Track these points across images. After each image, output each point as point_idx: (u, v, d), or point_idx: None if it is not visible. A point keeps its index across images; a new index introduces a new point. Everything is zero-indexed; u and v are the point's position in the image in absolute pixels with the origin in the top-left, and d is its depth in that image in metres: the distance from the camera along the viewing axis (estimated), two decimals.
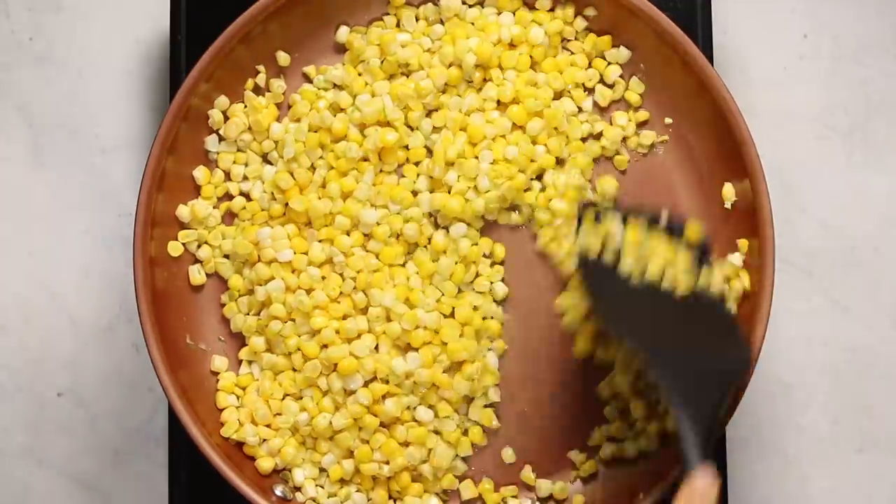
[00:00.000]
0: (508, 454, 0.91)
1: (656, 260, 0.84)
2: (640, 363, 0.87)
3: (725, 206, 0.90)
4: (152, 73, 1.03)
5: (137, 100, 1.03)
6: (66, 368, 1.02)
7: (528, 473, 0.90)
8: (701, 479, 0.75)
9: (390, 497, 0.89)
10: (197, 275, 0.91)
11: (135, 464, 1.01)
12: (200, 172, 0.91)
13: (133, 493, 1.01)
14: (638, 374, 0.88)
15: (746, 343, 0.85)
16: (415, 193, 0.89)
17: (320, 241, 0.89)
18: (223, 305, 0.91)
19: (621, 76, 0.92)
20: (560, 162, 0.90)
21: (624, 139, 0.92)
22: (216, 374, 0.91)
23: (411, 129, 0.90)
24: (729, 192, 0.89)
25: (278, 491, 0.89)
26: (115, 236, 1.02)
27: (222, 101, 0.91)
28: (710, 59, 0.95)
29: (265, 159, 0.91)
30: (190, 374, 0.89)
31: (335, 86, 0.91)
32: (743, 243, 0.89)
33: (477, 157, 0.89)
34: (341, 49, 0.92)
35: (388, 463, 0.88)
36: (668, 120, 0.91)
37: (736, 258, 0.89)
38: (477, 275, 0.90)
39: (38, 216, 1.03)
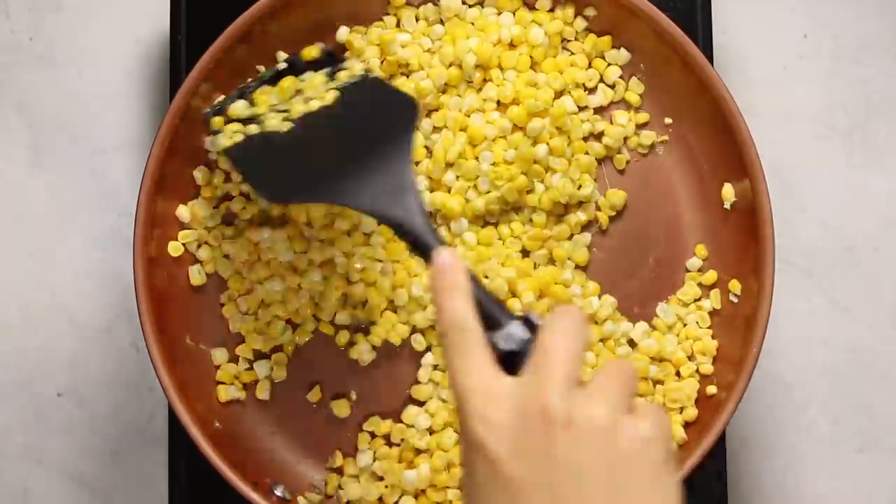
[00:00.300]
0: None
1: (295, 98, 0.83)
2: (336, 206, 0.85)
3: (725, 206, 0.90)
4: (152, 73, 1.03)
5: (137, 100, 1.03)
6: (66, 368, 1.02)
7: None
8: (441, 259, 0.70)
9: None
10: (197, 275, 0.91)
11: (135, 464, 1.01)
12: (200, 173, 0.91)
13: (133, 493, 1.01)
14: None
15: (401, 91, 0.85)
16: None
17: (321, 240, 0.89)
18: (223, 305, 0.91)
19: (621, 77, 0.92)
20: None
21: (624, 139, 0.92)
22: (216, 373, 0.91)
23: None
24: (728, 192, 0.89)
25: (278, 491, 0.89)
26: (115, 236, 1.02)
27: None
28: (710, 59, 0.95)
29: None
30: (190, 373, 0.89)
31: None
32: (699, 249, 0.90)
33: (477, 158, 0.89)
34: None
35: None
36: (667, 120, 0.92)
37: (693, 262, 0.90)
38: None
39: (38, 216, 1.03)
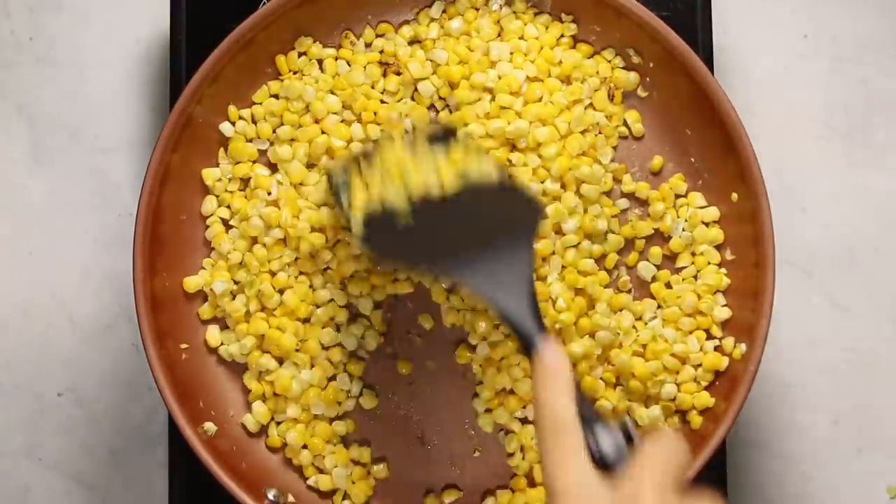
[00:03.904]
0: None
1: (418, 175, 0.83)
2: (451, 282, 0.87)
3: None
4: (152, 73, 1.03)
5: (137, 100, 1.03)
6: (66, 368, 1.02)
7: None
8: (548, 353, 0.71)
9: None
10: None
11: (134, 463, 1.01)
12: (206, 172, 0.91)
13: (133, 492, 1.01)
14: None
15: (529, 192, 0.85)
16: None
17: (326, 269, 0.90)
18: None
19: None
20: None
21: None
22: (214, 373, 0.91)
23: None
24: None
25: (271, 495, 0.89)
26: (115, 236, 1.02)
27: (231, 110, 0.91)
28: (711, 58, 0.95)
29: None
30: (187, 375, 0.89)
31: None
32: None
33: None
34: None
35: None
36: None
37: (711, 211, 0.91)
38: None
39: (38, 216, 1.03)
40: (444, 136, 0.86)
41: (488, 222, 0.82)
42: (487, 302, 0.77)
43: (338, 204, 0.85)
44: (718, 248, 0.91)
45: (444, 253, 0.80)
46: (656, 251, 0.91)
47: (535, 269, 0.84)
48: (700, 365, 0.89)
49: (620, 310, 0.90)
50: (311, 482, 0.91)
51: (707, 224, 0.91)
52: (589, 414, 0.69)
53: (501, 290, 0.76)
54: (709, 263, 0.90)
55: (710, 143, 0.90)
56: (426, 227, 0.81)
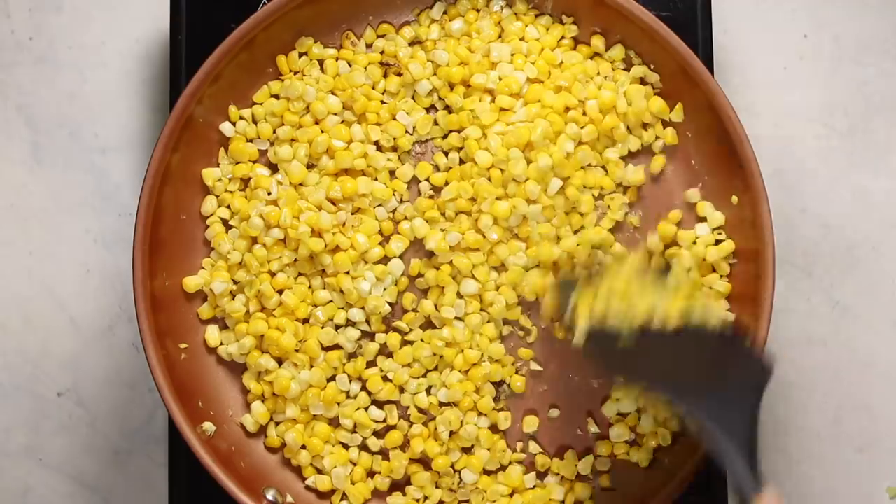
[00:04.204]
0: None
1: (643, 303, 0.83)
2: (672, 409, 0.86)
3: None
4: (152, 73, 1.03)
5: (137, 100, 1.03)
6: (66, 368, 1.02)
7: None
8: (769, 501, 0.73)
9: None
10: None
11: (135, 464, 1.01)
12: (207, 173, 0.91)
13: (133, 493, 1.01)
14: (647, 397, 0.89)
15: (759, 349, 0.85)
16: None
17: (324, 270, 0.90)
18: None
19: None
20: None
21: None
22: (213, 373, 0.91)
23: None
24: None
25: (269, 495, 0.89)
26: (115, 236, 1.02)
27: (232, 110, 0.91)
28: (711, 58, 0.95)
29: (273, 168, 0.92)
30: (186, 375, 0.89)
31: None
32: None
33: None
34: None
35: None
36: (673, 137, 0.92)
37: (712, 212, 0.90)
38: None
39: (38, 216, 1.03)
40: (668, 270, 0.87)
41: (711, 365, 0.81)
42: (711, 438, 0.77)
43: (562, 306, 0.85)
44: None
45: (666, 377, 0.80)
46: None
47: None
48: None
49: None
50: (309, 482, 0.91)
51: (714, 230, 0.91)
52: None
53: (725, 431, 0.77)
54: (713, 271, 0.90)
55: (710, 144, 0.90)
56: (646, 352, 0.82)
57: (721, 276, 0.90)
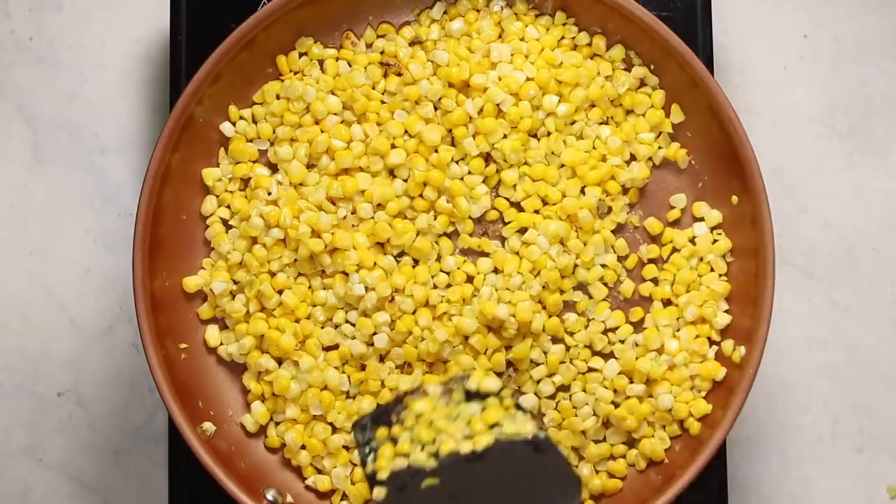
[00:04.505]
0: None
1: (448, 429, 0.80)
2: None
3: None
4: (152, 73, 1.03)
5: (137, 100, 1.03)
6: (66, 368, 1.02)
7: None
8: None
9: None
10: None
11: (135, 464, 1.01)
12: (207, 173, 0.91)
13: (133, 493, 1.01)
14: None
15: (564, 459, 0.80)
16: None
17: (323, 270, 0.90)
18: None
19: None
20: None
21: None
22: (213, 373, 0.91)
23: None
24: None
25: (269, 495, 0.89)
26: (115, 236, 1.02)
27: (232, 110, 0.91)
28: (711, 58, 0.95)
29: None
30: (186, 375, 0.89)
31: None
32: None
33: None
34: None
35: None
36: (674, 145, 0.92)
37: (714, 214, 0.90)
38: None
39: (38, 216, 1.03)
40: (479, 393, 0.83)
41: (520, 487, 0.78)
42: None
43: (360, 457, 0.82)
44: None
45: None
46: (654, 255, 0.91)
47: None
48: (698, 376, 0.89)
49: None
50: (309, 482, 0.91)
51: (712, 230, 0.91)
52: None
53: None
54: (711, 270, 0.90)
55: (710, 144, 0.90)
56: (452, 488, 0.78)
57: (720, 276, 0.90)
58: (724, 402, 0.87)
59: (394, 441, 0.81)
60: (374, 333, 0.88)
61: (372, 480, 0.80)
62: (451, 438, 0.80)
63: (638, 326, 0.91)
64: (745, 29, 1.04)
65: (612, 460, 0.90)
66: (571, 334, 0.90)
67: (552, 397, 0.90)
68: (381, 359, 0.89)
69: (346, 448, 0.91)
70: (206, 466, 0.86)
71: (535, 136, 0.91)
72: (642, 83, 0.91)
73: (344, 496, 0.91)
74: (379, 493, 0.79)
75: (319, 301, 0.90)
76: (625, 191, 0.91)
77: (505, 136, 0.90)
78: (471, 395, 0.83)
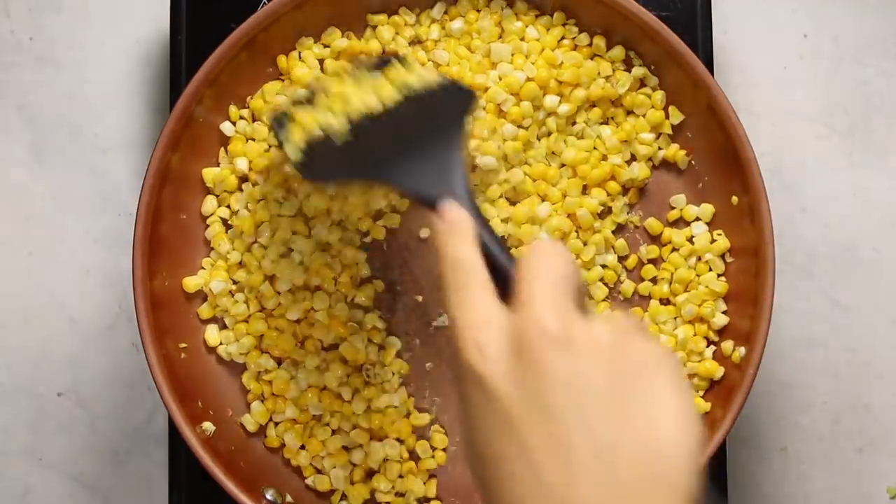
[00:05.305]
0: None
1: (357, 97, 0.83)
2: (391, 189, 0.87)
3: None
4: (152, 73, 1.03)
5: (137, 100, 1.03)
6: (66, 368, 1.02)
7: None
8: (447, 209, 0.71)
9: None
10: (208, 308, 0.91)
11: (135, 464, 1.01)
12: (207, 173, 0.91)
13: (133, 493, 1.01)
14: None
15: (460, 82, 0.86)
16: None
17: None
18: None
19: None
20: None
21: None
22: (213, 373, 0.91)
23: None
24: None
25: (269, 495, 0.89)
26: (116, 236, 1.02)
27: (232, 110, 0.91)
28: (711, 58, 0.95)
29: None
30: (186, 375, 0.89)
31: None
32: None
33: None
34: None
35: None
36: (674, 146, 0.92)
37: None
38: None
39: (38, 216, 1.03)
40: (385, 62, 0.86)
41: (424, 122, 0.81)
42: (419, 199, 0.75)
43: (278, 141, 0.84)
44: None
45: (379, 162, 0.79)
46: (654, 255, 0.91)
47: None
48: (696, 374, 0.89)
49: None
50: (308, 482, 0.91)
51: (709, 227, 0.91)
52: (503, 262, 0.68)
53: (434, 183, 0.75)
54: (709, 270, 0.90)
55: (710, 144, 0.90)
56: (365, 143, 0.81)
57: (718, 276, 0.90)
58: (723, 402, 0.87)
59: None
60: None
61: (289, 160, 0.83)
62: (361, 103, 0.83)
63: None
64: (745, 29, 1.04)
65: None
66: None
67: None
68: None
69: (346, 448, 0.91)
70: (206, 466, 0.87)
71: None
72: (642, 83, 0.91)
73: (343, 496, 0.91)
74: (296, 155, 0.82)
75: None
76: (625, 191, 0.91)
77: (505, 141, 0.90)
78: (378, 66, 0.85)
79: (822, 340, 1.02)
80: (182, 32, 0.96)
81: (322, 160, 0.82)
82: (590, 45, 0.91)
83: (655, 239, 0.92)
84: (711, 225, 0.91)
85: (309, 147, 0.82)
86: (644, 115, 0.91)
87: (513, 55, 0.90)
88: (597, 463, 0.60)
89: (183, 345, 0.90)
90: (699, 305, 0.89)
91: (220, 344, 0.91)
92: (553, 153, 0.90)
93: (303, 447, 0.91)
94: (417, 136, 0.79)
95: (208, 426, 0.89)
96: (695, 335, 0.90)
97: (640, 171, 0.90)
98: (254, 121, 0.92)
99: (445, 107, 0.82)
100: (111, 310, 1.02)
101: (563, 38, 0.91)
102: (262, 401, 0.91)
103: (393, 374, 0.90)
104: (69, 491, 1.01)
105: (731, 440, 0.99)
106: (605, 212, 0.91)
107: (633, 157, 0.91)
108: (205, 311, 0.91)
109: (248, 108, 0.92)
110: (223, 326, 0.92)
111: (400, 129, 0.81)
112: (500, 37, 0.91)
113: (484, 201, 0.90)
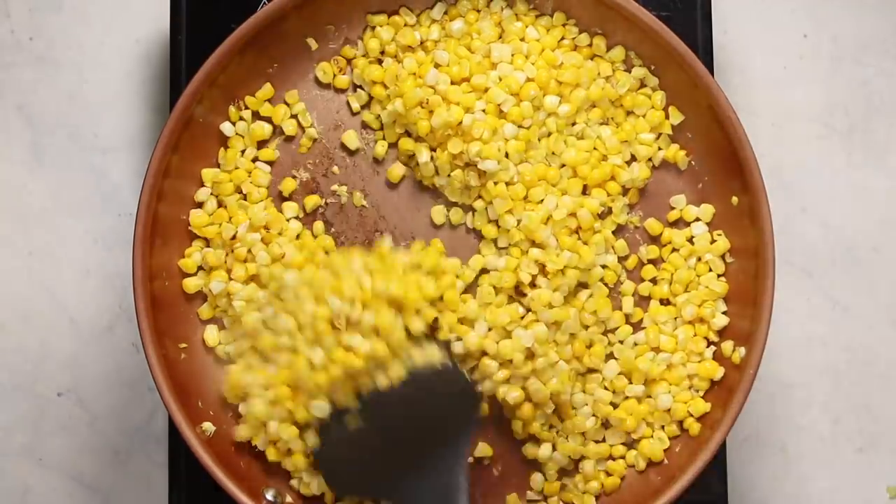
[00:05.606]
0: None
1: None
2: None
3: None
4: (152, 73, 1.03)
5: (137, 100, 1.03)
6: (66, 368, 1.02)
7: None
8: None
9: None
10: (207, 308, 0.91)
11: (135, 464, 1.01)
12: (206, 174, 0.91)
13: (133, 493, 1.01)
14: None
15: (467, 378, 0.86)
16: None
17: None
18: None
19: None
20: None
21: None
22: (213, 373, 0.91)
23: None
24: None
25: (269, 495, 0.89)
26: (116, 236, 1.02)
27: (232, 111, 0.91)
28: (711, 58, 0.95)
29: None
30: (186, 374, 0.89)
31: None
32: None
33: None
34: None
35: None
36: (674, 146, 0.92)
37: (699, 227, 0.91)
38: None
39: (38, 216, 1.03)
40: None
41: (431, 409, 0.84)
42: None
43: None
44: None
45: (387, 484, 0.84)
46: (654, 256, 0.91)
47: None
48: (696, 375, 0.89)
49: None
50: (293, 483, 0.90)
51: (709, 227, 0.91)
52: None
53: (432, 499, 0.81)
54: (710, 270, 0.90)
55: (710, 144, 0.90)
56: (374, 421, 0.84)
57: (718, 276, 0.90)
58: (723, 402, 0.87)
59: None
60: None
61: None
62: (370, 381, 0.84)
63: (637, 327, 0.91)
64: (745, 29, 1.04)
65: (611, 460, 0.90)
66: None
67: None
68: None
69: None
70: (206, 466, 0.86)
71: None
72: (642, 84, 0.91)
73: (336, 497, 0.91)
74: (313, 441, 0.86)
75: None
76: (625, 191, 0.91)
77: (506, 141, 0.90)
78: None
79: (822, 340, 1.02)
80: (182, 32, 0.96)
81: (334, 436, 0.85)
82: (590, 45, 0.91)
83: (655, 239, 0.92)
84: (711, 225, 0.91)
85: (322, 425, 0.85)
86: (644, 116, 0.91)
87: (513, 55, 0.90)
88: None
89: (183, 345, 0.90)
90: (699, 306, 0.90)
91: (220, 344, 0.91)
92: (553, 153, 0.90)
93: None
94: (421, 454, 0.83)
95: (208, 426, 0.89)
96: (695, 336, 0.90)
97: (640, 171, 0.90)
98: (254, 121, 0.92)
99: (451, 404, 0.84)
100: (111, 310, 1.02)
101: (563, 38, 0.91)
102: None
103: None
104: (69, 491, 1.01)
105: (731, 440, 0.99)
106: (606, 212, 0.91)
107: (633, 158, 0.91)
108: (205, 311, 0.91)
109: (248, 108, 0.92)
110: (223, 327, 0.92)
111: (408, 414, 0.84)
112: (500, 37, 0.91)
113: (486, 203, 0.90)
